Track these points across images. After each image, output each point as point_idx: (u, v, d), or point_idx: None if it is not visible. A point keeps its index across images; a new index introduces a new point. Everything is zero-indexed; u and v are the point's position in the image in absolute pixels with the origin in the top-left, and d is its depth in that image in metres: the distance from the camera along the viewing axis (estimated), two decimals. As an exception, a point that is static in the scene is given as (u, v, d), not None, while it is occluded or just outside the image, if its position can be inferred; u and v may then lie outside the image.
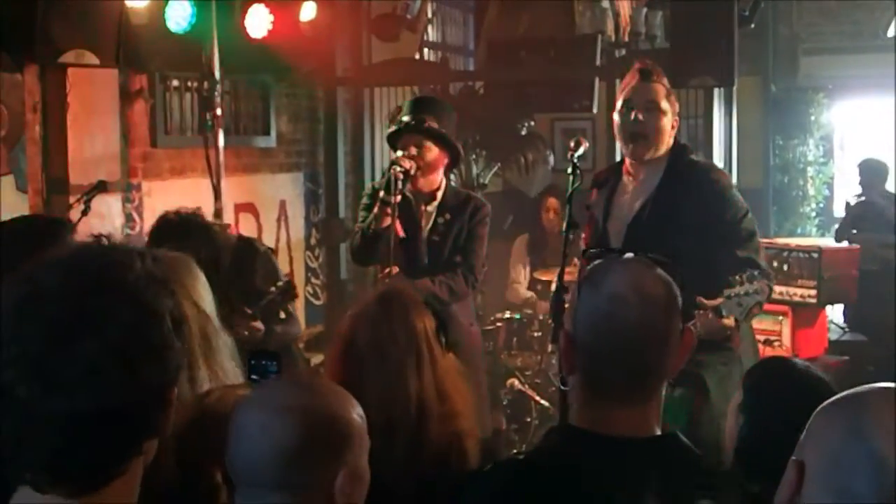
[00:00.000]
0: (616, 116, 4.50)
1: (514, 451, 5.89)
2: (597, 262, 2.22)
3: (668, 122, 4.44)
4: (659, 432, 2.12)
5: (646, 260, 2.20)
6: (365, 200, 5.41)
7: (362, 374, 2.72)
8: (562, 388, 2.23)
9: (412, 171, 5.12)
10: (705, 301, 3.97)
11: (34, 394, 1.39)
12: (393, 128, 5.53)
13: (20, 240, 3.27)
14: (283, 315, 4.84)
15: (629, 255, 2.24)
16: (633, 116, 4.39)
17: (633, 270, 2.15)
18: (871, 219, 9.30)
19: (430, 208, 5.33)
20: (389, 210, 5.05)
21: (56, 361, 1.40)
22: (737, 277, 4.04)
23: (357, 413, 2.04)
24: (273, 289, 4.76)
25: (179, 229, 4.50)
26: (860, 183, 9.70)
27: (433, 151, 5.26)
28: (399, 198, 5.07)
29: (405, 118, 5.36)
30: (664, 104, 4.44)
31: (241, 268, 4.87)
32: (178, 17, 5.79)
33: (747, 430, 2.70)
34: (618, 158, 5.09)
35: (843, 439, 1.48)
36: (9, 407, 1.40)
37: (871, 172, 9.62)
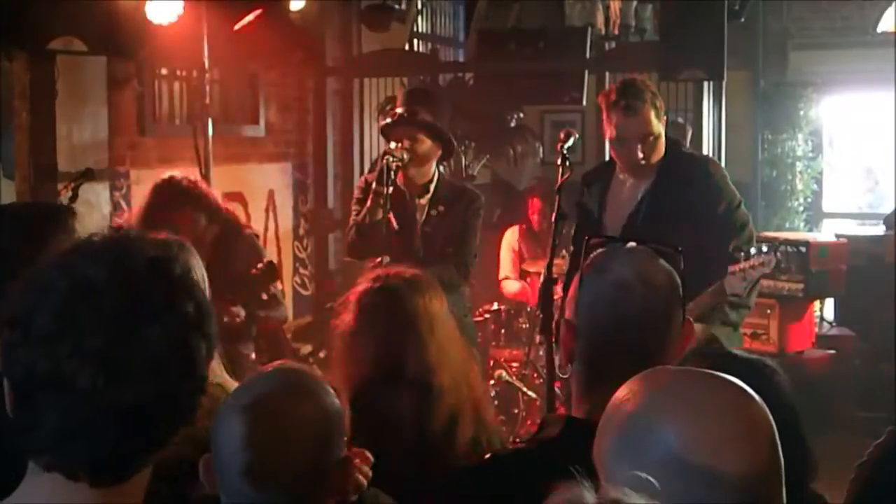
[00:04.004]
0: (612, 144, 4.52)
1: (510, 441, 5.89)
2: (600, 250, 2.22)
3: (662, 138, 4.48)
4: None
5: (649, 249, 2.19)
6: (358, 194, 5.40)
7: (411, 344, 2.73)
8: (560, 376, 2.22)
9: (405, 160, 5.11)
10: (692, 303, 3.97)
11: (97, 386, 1.38)
12: (387, 120, 5.52)
13: (23, 224, 3.26)
14: (265, 297, 4.84)
15: (632, 244, 2.23)
16: (633, 150, 4.42)
17: (638, 259, 2.15)
18: None
19: (423, 201, 5.32)
20: (382, 201, 5.05)
21: (120, 353, 1.39)
22: (741, 254, 4.08)
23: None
24: (254, 270, 4.75)
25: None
26: None
27: (426, 144, 5.25)
28: (392, 188, 5.07)
29: (399, 110, 5.35)
30: (656, 128, 4.46)
31: (221, 250, 4.87)
32: (168, 8, 5.78)
33: None
34: (607, 150, 5.12)
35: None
36: (66, 399, 1.39)
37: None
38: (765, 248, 4.19)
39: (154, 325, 1.42)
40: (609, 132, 4.52)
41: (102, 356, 1.39)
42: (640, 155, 4.41)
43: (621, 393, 1.52)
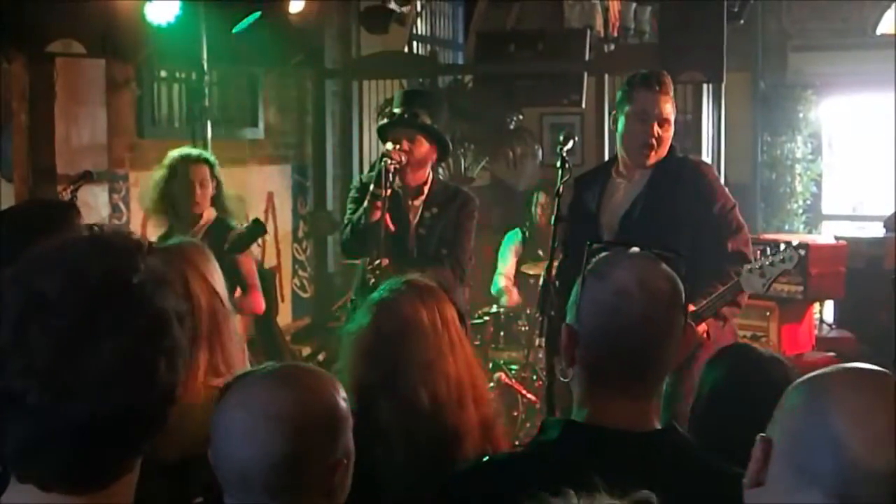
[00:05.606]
0: (628, 123, 4.49)
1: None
2: (601, 255, 2.21)
3: (671, 133, 4.51)
4: (658, 426, 2.11)
5: (651, 255, 2.19)
6: (353, 194, 5.39)
7: (398, 359, 2.72)
8: (562, 379, 2.22)
9: (403, 163, 5.10)
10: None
11: (45, 402, 1.38)
12: (385, 120, 5.50)
13: (29, 223, 3.25)
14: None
15: (635, 249, 2.23)
16: (650, 130, 4.42)
17: (639, 265, 2.14)
18: None
19: (417, 202, 5.31)
20: (380, 203, 5.03)
21: (67, 371, 1.38)
22: (757, 254, 4.10)
23: (342, 397, 2.04)
24: (242, 226, 4.82)
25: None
26: None
27: (424, 146, 5.23)
28: (389, 191, 5.05)
29: (397, 111, 5.33)
30: (672, 117, 4.49)
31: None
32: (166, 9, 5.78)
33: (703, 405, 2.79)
34: (606, 152, 5.11)
35: (805, 419, 1.52)
36: (21, 415, 1.39)
37: None
38: (795, 243, 4.19)
39: (103, 341, 1.40)
40: (630, 108, 4.49)
41: (49, 374, 1.38)
42: (656, 136, 4.41)
43: (791, 392, 1.59)
